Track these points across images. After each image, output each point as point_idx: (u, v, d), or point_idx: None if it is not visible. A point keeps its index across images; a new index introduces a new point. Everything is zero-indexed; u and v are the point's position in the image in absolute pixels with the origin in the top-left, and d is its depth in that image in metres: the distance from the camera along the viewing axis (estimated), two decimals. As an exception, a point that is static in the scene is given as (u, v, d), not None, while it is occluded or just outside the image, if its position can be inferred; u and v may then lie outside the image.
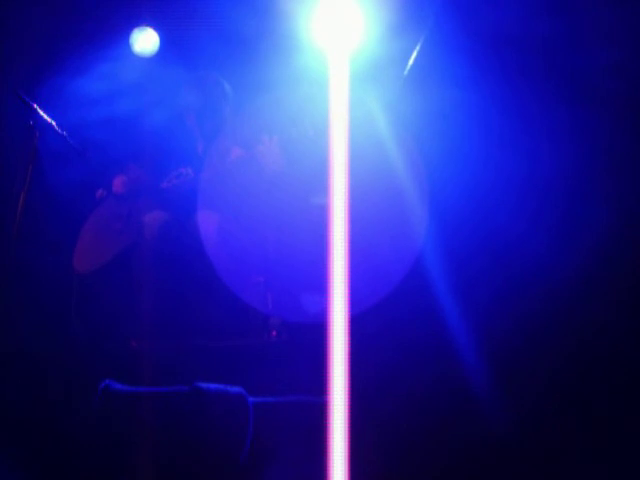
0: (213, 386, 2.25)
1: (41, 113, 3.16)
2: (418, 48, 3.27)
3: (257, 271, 3.53)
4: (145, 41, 3.94)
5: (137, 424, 2.25)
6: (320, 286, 2.93)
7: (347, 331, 2.60)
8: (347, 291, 2.71)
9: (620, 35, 2.90)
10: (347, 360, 2.54)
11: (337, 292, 2.74)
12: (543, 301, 2.87)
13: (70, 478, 2.22)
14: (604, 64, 2.80)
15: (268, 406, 2.44)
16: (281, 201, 3.55)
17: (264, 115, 3.62)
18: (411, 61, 3.31)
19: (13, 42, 3.77)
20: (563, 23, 2.85)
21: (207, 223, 3.43)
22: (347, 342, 2.58)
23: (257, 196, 3.52)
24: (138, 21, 3.93)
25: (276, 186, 3.54)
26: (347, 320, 2.63)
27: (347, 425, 2.40)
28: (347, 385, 2.48)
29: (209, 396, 2.22)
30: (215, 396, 2.23)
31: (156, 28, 3.95)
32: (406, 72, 3.33)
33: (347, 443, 2.35)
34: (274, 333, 3.34)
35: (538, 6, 2.90)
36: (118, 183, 3.60)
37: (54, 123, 3.22)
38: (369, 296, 3.09)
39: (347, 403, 2.44)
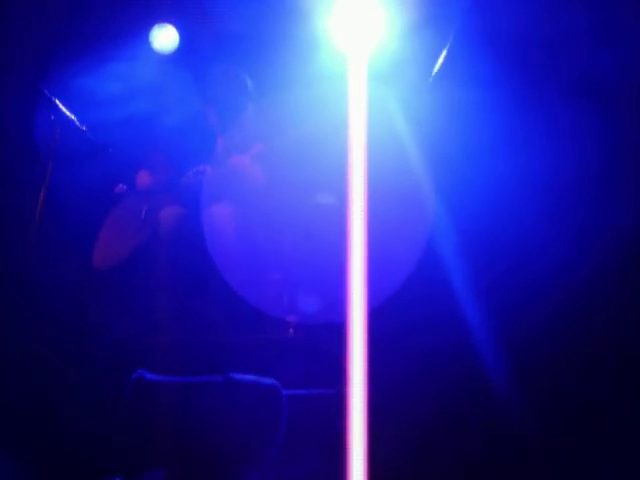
0: (247, 377, 2.26)
1: (62, 109, 3.17)
2: (442, 48, 3.29)
3: (273, 269, 3.55)
4: (165, 38, 3.95)
5: (170, 414, 2.25)
6: (335, 284, 2.95)
7: (366, 327, 2.62)
8: (366, 288, 2.73)
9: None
10: (366, 355, 2.56)
11: (356, 289, 2.76)
12: (564, 302, 2.87)
13: (104, 467, 2.22)
14: (631, 65, 2.81)
15: (298, 398, 2.45)
16: (295, 199, 3.58)
17: (273, 116, 3.64)
18: (438, 62, 3.33)
19: (32, 41, 3.77)
20: (589, 23, 2.87)
21: (220, 215, 3.43)
22: (366, 338, 2.60)
23: (272, 193, 3.54)
24: (158, 20, 3.95)
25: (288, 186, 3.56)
26: (366, 316, 2.65)
27: (366, 419, 2.42)
28: (366, 380, 2.50)
29: (243, 387, 2.23)
30: (249, 387, 2.24)
31: (175, 27, 3.96)
32: (433, 73, 3.34)
33: (366, 437, 2.37)
34: (291, 330, 3.36)
35: (562, 6, 2.92)
36: (141, 178, 3.61)
37: (75, 119, 3.24)
38: (385, 294, 3.11)
39: (366, 398, 2.46)
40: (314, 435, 2.61)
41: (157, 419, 2.24)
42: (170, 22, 3.95)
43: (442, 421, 2.77)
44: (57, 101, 3.15)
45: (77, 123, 3.26)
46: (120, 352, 2.99)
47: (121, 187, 3.63)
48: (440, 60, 3.33)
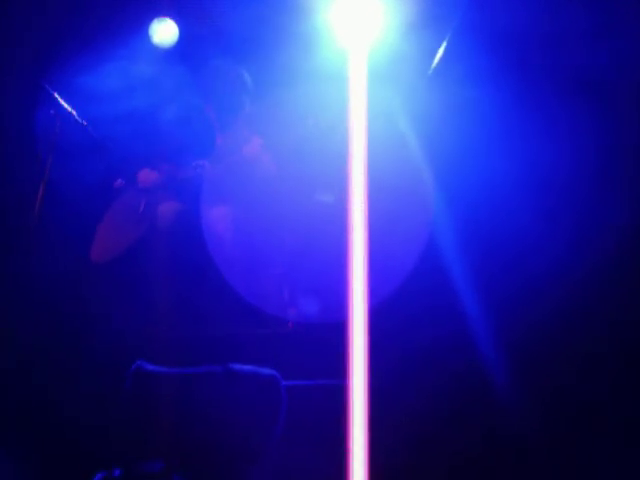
0: (246, 367, 2.25)
1: (62, 103, 3.18)
2: (440, 45, 3.30)
3: (273, 264, 3.55)
4: (164, 32, 3.96)
5: (168, 404, 2.25)
6: (336, 279, 2.95)
7: (366, 321, 2.62)
8: (366, 283, 2.73)
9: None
10: (367, 349, 2.56)
11: (356, 284, 2.76)
12: (562, 299, 2.86)
13: (103, 458, 2.21)
14: (630, 64, 2.81)
15: (297, 389, 2.45)
16: (296, 195, 3.58)
17: (276, 111, 3.65)
18: (436, 58, 3.34)
19: (32, 41, 3.78)
20: (588, 22, 2.87)
21: (220, 210, 3.44)
22: (366, 332, 2.60)
23: (271, 190, 3.54)
24: (157, 16, 3.96)
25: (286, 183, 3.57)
26: (366, 311, 2.65)
27: (367, 412, 2.42)
28: (367, 373, 2.49)
29: (242, 377, 2.23)
30: (248, 377, 2.23)
31: (175, 23, 3.98)
32: (431, 69, 3.35)
33: (366, 429, 2.37)
34: (291, 324, 3.36)
35: (560, 5, 2.93)
36: (144, 176, 3.61)
37: (75, 113, 3.25)
38: (386, 290, 3.11)
39: (367, 391, 2.46)
40: (314, 426, 2.60)
41: (156, 409, 2.23)
42: (170, 18, 3.96)
43: (442, 415, 2.76)
44: (57, 96, 3.16)
45: (77, 118, 3.26)
46: (120, 345, 2.98)
47: (120, 182, 3.63)
48: (438, 57, 3.34)
